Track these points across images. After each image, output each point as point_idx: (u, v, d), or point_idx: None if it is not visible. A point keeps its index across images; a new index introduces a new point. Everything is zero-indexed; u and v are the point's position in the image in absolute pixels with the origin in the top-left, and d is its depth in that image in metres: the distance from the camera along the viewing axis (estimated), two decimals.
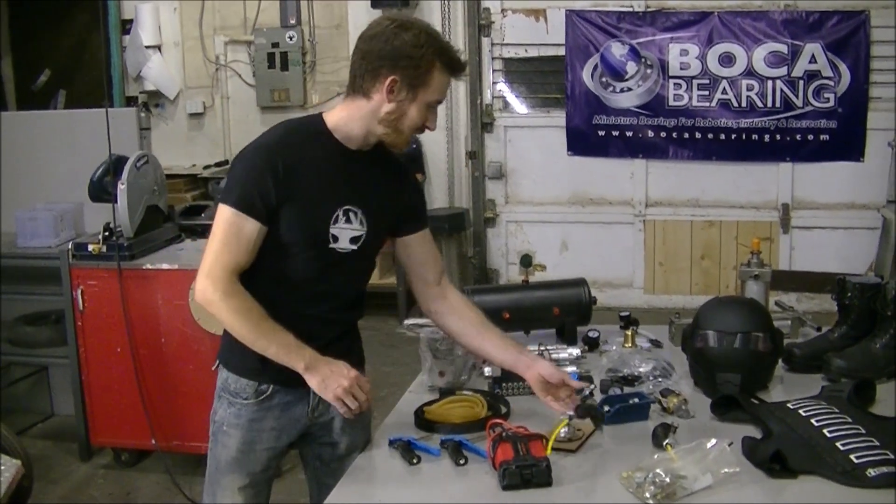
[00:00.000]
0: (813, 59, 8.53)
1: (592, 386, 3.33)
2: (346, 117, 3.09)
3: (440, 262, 3.47)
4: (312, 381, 2.97)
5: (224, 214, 3.00)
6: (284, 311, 3.03)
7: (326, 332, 3.16)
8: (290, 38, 9.51)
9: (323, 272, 3.11)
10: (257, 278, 3.05)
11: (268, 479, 3.33)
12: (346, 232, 3.10)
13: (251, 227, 2.97)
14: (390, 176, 3.27)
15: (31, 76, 10.35)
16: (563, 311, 3.91)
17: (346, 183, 3.11)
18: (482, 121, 9.35)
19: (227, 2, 9.63)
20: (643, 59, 8.84)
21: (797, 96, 8.59)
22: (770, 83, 8.63)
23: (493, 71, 9.35)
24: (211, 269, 2.98)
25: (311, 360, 2.97)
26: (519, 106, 9.40)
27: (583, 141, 9.14)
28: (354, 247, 3.12)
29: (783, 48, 8.56)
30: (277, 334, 2.98)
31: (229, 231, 2.98)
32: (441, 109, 8.55)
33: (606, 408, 3.08)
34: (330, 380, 2.95)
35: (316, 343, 3.05)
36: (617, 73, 8.92)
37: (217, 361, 3.29)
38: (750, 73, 8.65)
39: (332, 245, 3.09)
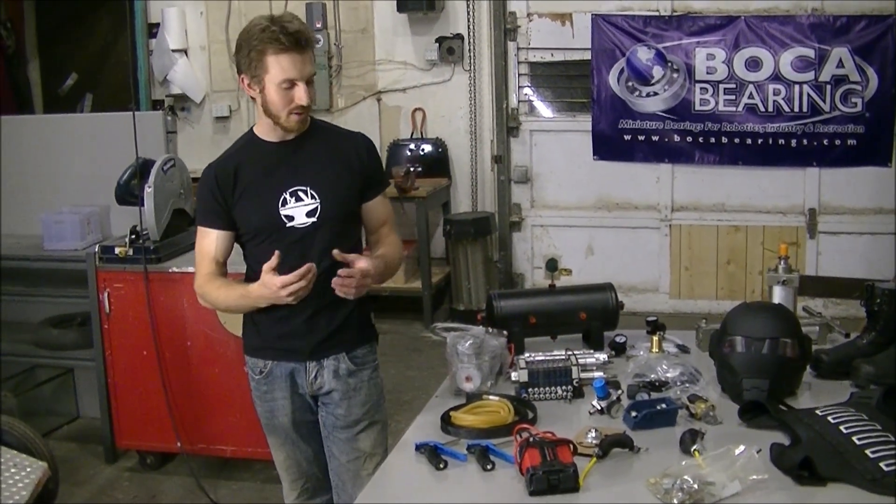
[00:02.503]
0: (840, 64, 8.48)
1: (621, 391, 3.32)
2: (259, 120, 3.66)
3: (392, 217, 3.96)
4: (264, 304, 3.54)
5: (198, 233, 3.70)
6: None
7: (314, 305, 3.59)
8: (317, 42, 9.51)
9: (292, 250, 3.52)
10: (252, 268, 3.67)
11: (303, 434, 3.83)
12: (299, 209, 3.58)
13: (213, 235, 3.64)
14: (337, 151, 3.71)
15: (57, 80, 10.41)
16: (590, 316, 3.90)
17: (285, 170, 3.59)
18: (508, 125, 9.33)
19: (254, 5, 9.63)
20: (669, 64, 8.81)
21: (824, 101, 8.55)
22: (797, 88, 8.59)
23: (519, 75, 9.33)
24: (196, 281, 3.71)
25: (251, 295, 3.53)
26: (545, 110, 9.39)
27: (608, 145, 9.12)
28: (314, 219, 3.58)
29: (810, 53, 8.52)
30: (235, 292, 3.60)
31: (200, 244, 3.68)
32: (467, 113, 8.56)
33: (633, 413, 3.07)
34: (276, 297, 3.42)
35: (309, 310, 3.61)
36: (643, 78, 8.90)
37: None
38: (777, 77, 8.61)
39: (291, 224, 3.58)
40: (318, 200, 3.58)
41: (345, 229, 3.69)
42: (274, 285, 3.37)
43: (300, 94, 3.49)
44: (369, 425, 3.81)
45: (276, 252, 3.40)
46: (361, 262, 3.48)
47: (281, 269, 3.40)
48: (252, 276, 3.61)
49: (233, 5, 9.73)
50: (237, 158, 3.65)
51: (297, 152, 3.63)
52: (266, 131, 3.64)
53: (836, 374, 3.47)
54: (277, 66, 3.43)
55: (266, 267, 3.41)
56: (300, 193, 3.58)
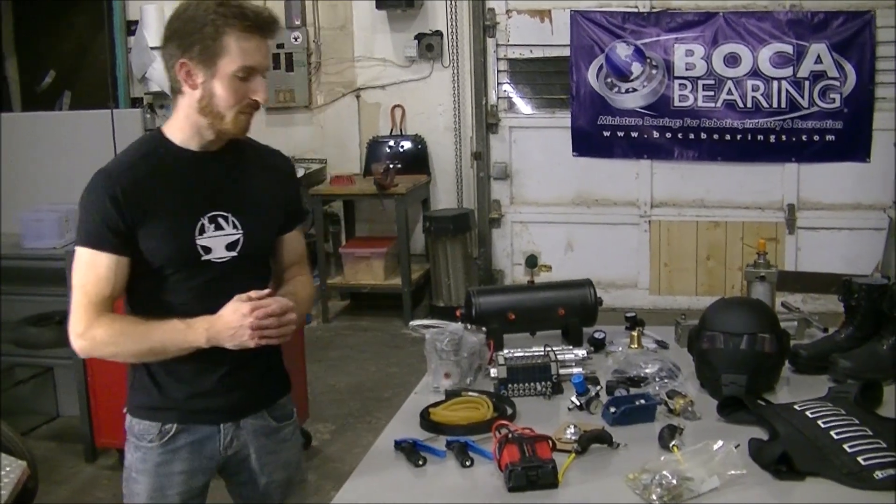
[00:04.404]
0: (818, 60, 8.52)
1: (600, 387, 3.32)
2: (176, 120, 2.88)
3: (305, 252, 3.30)
4: (227, 345, 2.79)
5: (79, 258, 2.84)
6: None
7: (234, 357, 2.89)
8: (295, 39, 9.51)
9: (206, 289, 2.88)
10: (141, 310, 2.89)
11: None
12: (218, 240, 2.89)
13: (107, 262, 2.80)
14: (262, 170, 3.07)
15: (36, 77, 10.36)
16: (569, 312, 3.90)
17: (205, 189, 2.89)
18: (487, 121, 9.34)
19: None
20: (648, 60, 8.83)
21: (803, 97, 8.58)
22: (775, 83, 8.62)
23: (499, 72, 9.34)
24: (75, 325, 2.82)
25: (208, 330, 2.78)
26: (524, 107, 9.40)
27: (588, 141, 9.14)
28: (234, 253, 2.91)
29: (788, 48, 8.55)
30: (161, 328, 2.81)
31: (87, 274, 2.82)
32: (447, 110, 8.52)
33: (612, 409, 3.08)
34: (237, 333, 2.76)
35: (228, 363, 2.92)
36: (622, 74, 8.92)
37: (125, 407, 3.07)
38: (755, 73, 8.64)
39: (207, 257, 2.87)
40: (241, 231, 2.91)
41: (264, 266, 3.10)
42: (248, 316, 2.76)
43: (258, 88, 2.83)
44: (294, 488, 3.27)
45: (266, 292, 2.84)
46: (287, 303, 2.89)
47: (190, 313, 2.83)
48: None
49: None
50: (146, 167, 2.84)
51: (219, 168, 2.93)
52: (186, 136, 2.88)
53: (814, 369, 3.47)
54: (238, 50, 2.76)
55: (243, 296, 2.79)
56: (220, 220, 2.89)
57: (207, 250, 2.87)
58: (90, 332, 2.80)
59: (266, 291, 2.85)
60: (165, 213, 2.83)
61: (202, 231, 2.86)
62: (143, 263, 2.84)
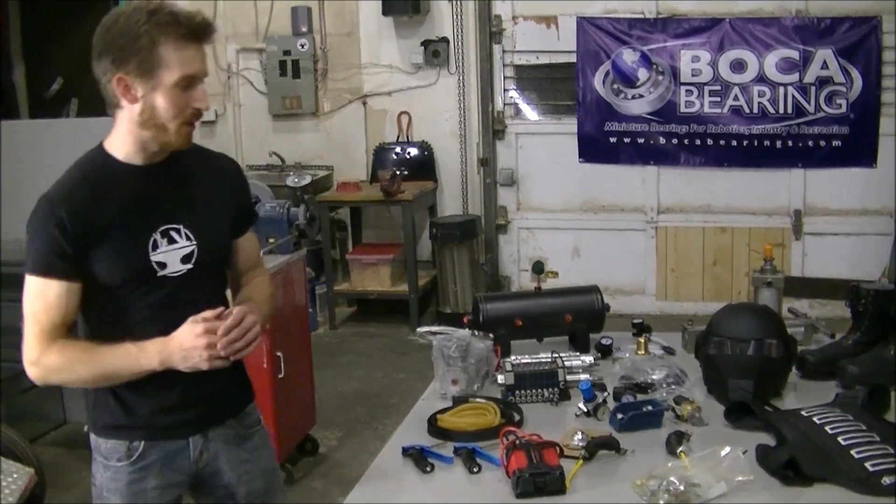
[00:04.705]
0: (825, 66, 8.51)
1: (607, 393, 3.33)
2: (118, 135, 2.80)
3: (260, 254, 3.32)
4: (180, 367, 2.70)
5: (28, 286, 2.75)
6: None
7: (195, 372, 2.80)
8: (302, 46, 9.52)
9: (164, 305, 2.81)
10: (98, 333, 2.81)
11: None
12: (172, 254, 2.82)
13: (56, 289, 2.71)
14: (210, 176, 3.01)
15: (43, 84, 10.36)
16: (576, 318, 3.91)
17: (153, 203, 2.82)
18: (494, 128, 9.34)
19: (239, 10, 9.64)
20: (654, 66, 8.83)
21: (809, 102, 8.58)
22: (782, 89, 8.62)
23: (505, 78, 9.34)
24: (28, 353, 2.75)
25: (161, 353, 2.70)
26: (530, 113, 9.40)
27: (594, 148, 9.14)
28: (189, 265, 2.85)
29: (795, 54, 8.55)
30: (113, 353, 2.73)
31: (36, 302, 2.73)
32: (453, 116, 8.51)
33: (619, 415, 3.08)
34: (190, 354, 2.69)
35: (189, 383, 2.83)
36: (628, 80, 8.92)
37: (87, 426, 3.01)
38: (761, 79, 8.63)
39: (162, 272, 2.80)
40: (195, 242, 2.85)
41: (221, 274, 3.06)
42: (202, 337, 2.68)
43: (200, 96, 2.75)
44: (275, 495, 3.25)
45: (228, 311, 2.76)
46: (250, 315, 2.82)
47: (150, 330, 2.77)
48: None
49: (218, 10, 9.70)
50: (91, 187, 2.76)
51: (166, 179, 2.85)
52: (129, 151, 2.79)
53: (821, 374, 3.48)
54: (176, 59, 2.66)
55: (197, 317, 2.71)
56: (173, 233, 2.82)
57: (162, 266, 2.81)
58: (43, 359, 2.73)
59: (219, 310, 2.76)
60: (115, 232, 2.75)
61: (155, 247, 2.79)
62: (98, 284, 2.77)
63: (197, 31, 2.70)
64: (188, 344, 2.68)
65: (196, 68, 2.71)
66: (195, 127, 2.81)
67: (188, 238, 2.84)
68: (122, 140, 2.79)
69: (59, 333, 2.74)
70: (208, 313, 2.73)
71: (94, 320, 2.85)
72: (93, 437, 2.97)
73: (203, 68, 2.75)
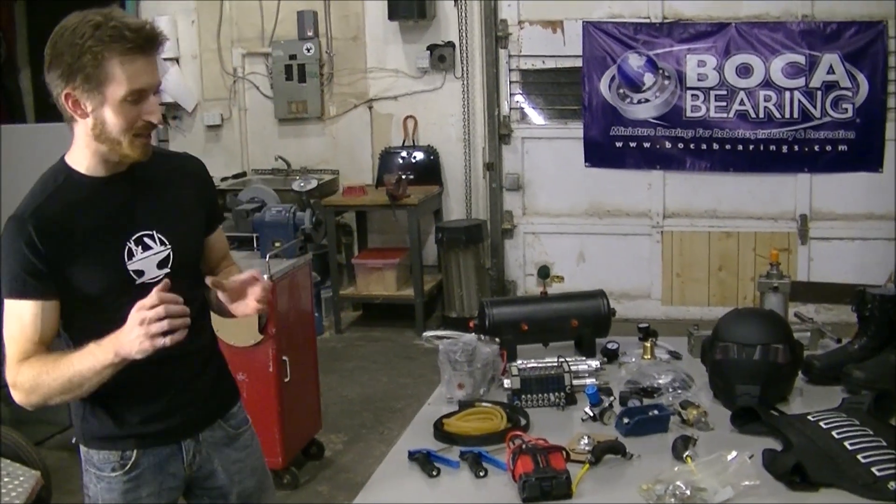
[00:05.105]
0: (831, 70, 8.51)
1: (613, 398, 3.32)
2: (78, 149, 2.77)
3: (227, 246, 3.28)
4: (133, 355, 2.57)
5: (5, 309, 2.71)
6: (130, 371, 2.67)
7: (182, 372, 2.91)
8: (308, 50, 9.52)
9: None
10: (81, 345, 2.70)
11: None
12: (148, 261, 2.80)
13: (32, 309, 2.69)
14: (176, 178, 2.96)
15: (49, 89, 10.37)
16: (582, 323, 3.90)
17: (123, 213, 2.79)
18: (499, 132, 9.34)
19: (245, 14, 9.66)
20: (660, 71, 8.83)
21: (815, 107, 8.57)
22: (788, 94, 8.61)
23: (511, 82, 9.34)
24: (9, 376, 2.71)
25: (114, 346, 2.59)
26: (536, 117, 9.40)
27: (600, 152, 9.14)
28: (167, 269, 2.82)
29: (801, 59, 8.54)
30: (75, 356, 2.66)
31: (13, 325, 2.70)
32: (459, 121, 8.50)
33: (626, 420, 3.08)
34: (133, 338, 2.54)
35: (176, 388, 2.90)
36: (634, 85, 8.92)
37: (73, 438, 2.96)
38: (767, 83, 8.63)
39: (141, 280, 2.78)
40: (169, 245, 2.84)
41: (197, 274, 3.01)
42: (145, 319, 2.53)
43: (151, 109, 2.68)
44: (266, 493, 3.26)
45: (165, 281, 2.63)
46: (249, 272, 2.89)
47: None
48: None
49: (224, 14, 9.73)
50: (58, 203, 2.72)
51: (132, 187, 2.82)
52: (90, 164, 2.76)
53: (827, 379, 3.48)
54: (123, 75, 2.59)
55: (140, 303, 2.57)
56: (147, 240, 2.80)
57: (140, 273, 2.79)
58: (18, 380, 2.71)
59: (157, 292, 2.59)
60: (88, 246, 2.73)
61: (131, 255, 2.78)
62: (77, 299, 2.74)
63: (143, 45, 2.63)
64: (132, 331, 2.56)
65: (144, 82, 2.65)
66: (150, 138, 2.76)
67: (162, 243, 2.83)
68: (82, 153, 2.76)
69: (34, 352, 2.70)
70: (146, 299, 2.57)
71: (77, 336, 2.77)
72: (83, 448, 2.97)
73: (152, 80, 2.69)
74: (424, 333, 4.14)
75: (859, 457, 2.70)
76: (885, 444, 2.76)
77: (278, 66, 9.64)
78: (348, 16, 9.61)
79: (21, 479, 4.70)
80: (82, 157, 2.76)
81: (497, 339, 3.74)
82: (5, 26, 10.20)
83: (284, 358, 5.46)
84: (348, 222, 9.69)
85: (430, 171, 9.47)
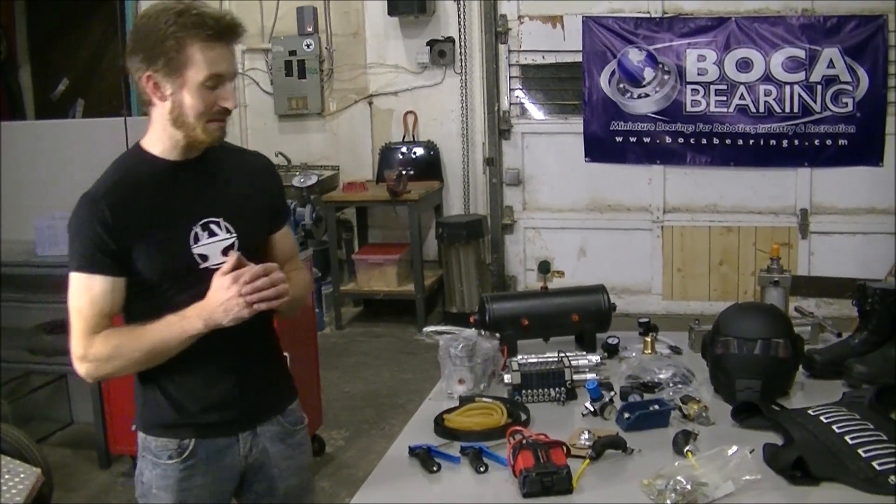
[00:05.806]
0: (831, 64, 8.50)
1: (613, 393, 3.32)
2: (154, 133, 2.86)
3: (297, 248, 3.37)
4: (224, 323, 2.73)
5: (73, 283, 2.81)
6: (188, 357, 2.82)
7: (243, 364, 2.98)
8: (308, 47, 9.52)
9: (205, 295, 2.79)
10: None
11: None
12: (213, 246, 2.87)
13: (102, 285, 2.77)
14: (245, 173, 3.05)
15: (49, 85, 10.38)
16: (583, 318, 3.90)
17: (192, 198, 2.88)
18: (499, 127, 9.34)
19: (244, 10, 9.64)
20: (660, 65, 8.82)
21: (815, 101, 8.57)
22: (788, 88, 8.61)
23: (511, 78, 9.34)
24: (76, 349, 2.79)
25: (201, 315, 2.74)
26: (536, 112, 9.39)
27: (600, 147, 9.13)
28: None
29: (801, 53, 8.54)
30: (156, 327, 2.76)
31: (81, 298, 2.79)
32: (457, 116, 8.50)
33: (626, 415, 3.08)
34: (228, 305, 2.72)
35: (237, 372, 2.96)
36: (634, 80, 8.91)
37: (133, 424, 3.07)
38: (768, 78, 8.62)
39: (205, 265, 2.85)
40: (235, 234, 2.90)
41: None
42: (237, 285, 2.70)
43: (227, 95, 2.80)
44: (307, 494, 3.28)
45: (236, 253, 2.80)
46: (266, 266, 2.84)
47: None
48: None
49: (223, 9, 9.71)
50: (127, 185, 2.82)
51: (203, 174, 2.92)
52: (165, 147, 2.85)
53: (828, 373, 3.47)
54: (203, 60, 2.73)
55: (220, 270, 2.77)
56: (213, 226, 2.87)
57: (204, 258, 2.85)
58: (91, 352, 2.77)
59: (236, 259, 2.78)
60: (156, 227, 2.81)
61: (196, 239, 2.85)
62: (140, 281, 2.82)
63: (223, 32, 2.79)
64: (223, 297, 2.72)
65: (222, 68, 2.77)
66: (225, 124, 2.86)
67: (228, 231, 2.89)
68: (158, 137, 2.85)
69: (103, 327, 2.79)
70: (226, 265, 2.76)
71: (136, 317, 2.85)
72: (141, 435, 3.03)
73: (230, 68, 2.81)
74: (425, 329, 4.13)
75: (860, 451, 2.70)
76: (886, 438, 2.75)
77: (278, 62, 9.64)
78: (348, 11, 9.61)
79: (22, 476, 4.70)
80: (157, 141, 2.86)
81: (497, 335, 3.75)
82: (6, 24, 10.19)
83: (285, 354, 5.44)
84: (349, 218, 9.69)
85: (430, 166, 9.47)
